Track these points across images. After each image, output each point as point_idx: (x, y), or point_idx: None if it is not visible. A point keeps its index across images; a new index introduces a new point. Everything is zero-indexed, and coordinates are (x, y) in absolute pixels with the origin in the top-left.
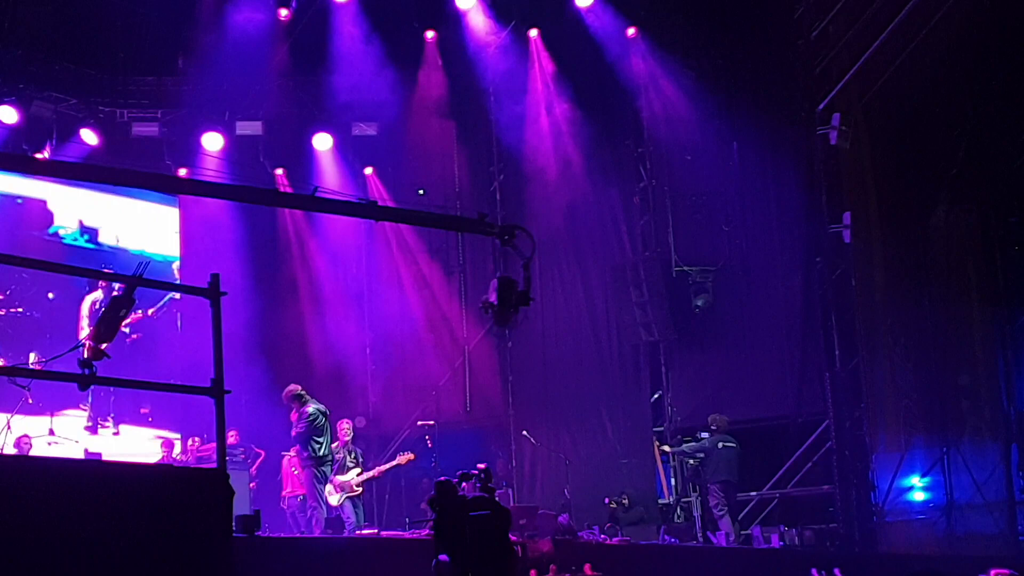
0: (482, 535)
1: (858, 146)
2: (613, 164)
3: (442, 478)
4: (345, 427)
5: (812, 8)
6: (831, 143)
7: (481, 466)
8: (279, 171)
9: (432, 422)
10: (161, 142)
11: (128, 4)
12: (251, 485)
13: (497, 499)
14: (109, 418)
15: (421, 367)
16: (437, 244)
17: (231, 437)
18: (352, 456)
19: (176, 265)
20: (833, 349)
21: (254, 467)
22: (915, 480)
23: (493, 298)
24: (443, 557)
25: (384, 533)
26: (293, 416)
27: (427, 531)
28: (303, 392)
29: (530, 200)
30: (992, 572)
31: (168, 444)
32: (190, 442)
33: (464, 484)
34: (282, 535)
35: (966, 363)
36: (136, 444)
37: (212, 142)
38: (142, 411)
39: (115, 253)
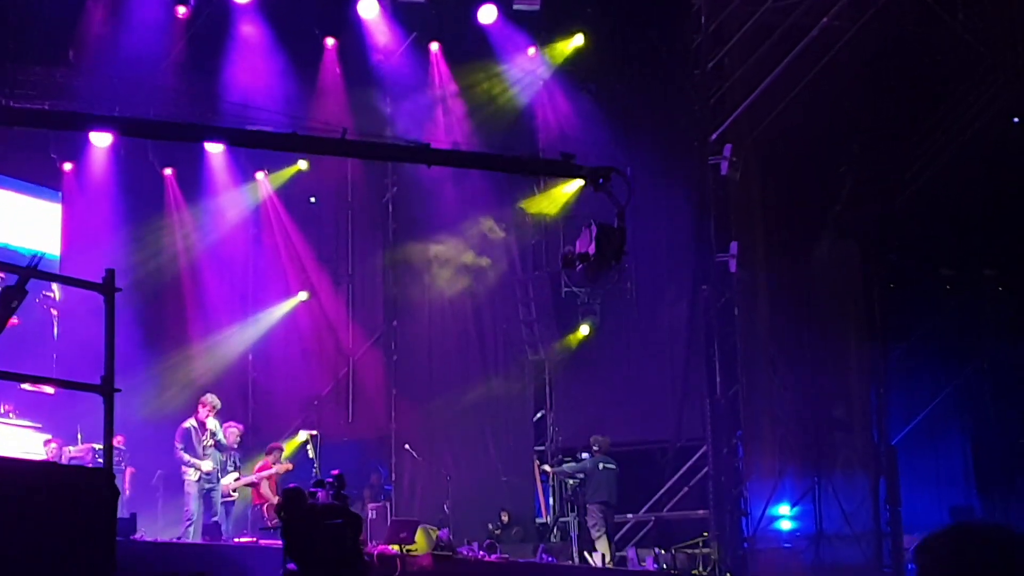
0: (334, 542)
1: (748, 177)
2: (508, 182)
3: (290, 485)
4: (233, 431)
5: (709, 39)
6: (722, 173)
7: (335, 472)
8: (168, 170)
9: (314, 432)
10: (48, 134)
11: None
12: (126, 476)
13: (350, 507)
14: None
15: (305, 376)
16: (327, 253)
17: (118, 441)
18: (232, 460)
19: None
20: (715, 376)
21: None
22: (783, 509)
23: (590, 248)
24: (291, 566)
25: (262, 542)
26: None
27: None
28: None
29: (423, 214)
30: None
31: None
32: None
33: (319, 492)
34: (157, 540)
35: (842, 396)
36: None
37: (100, 138)
38: (4, 407)
39: None
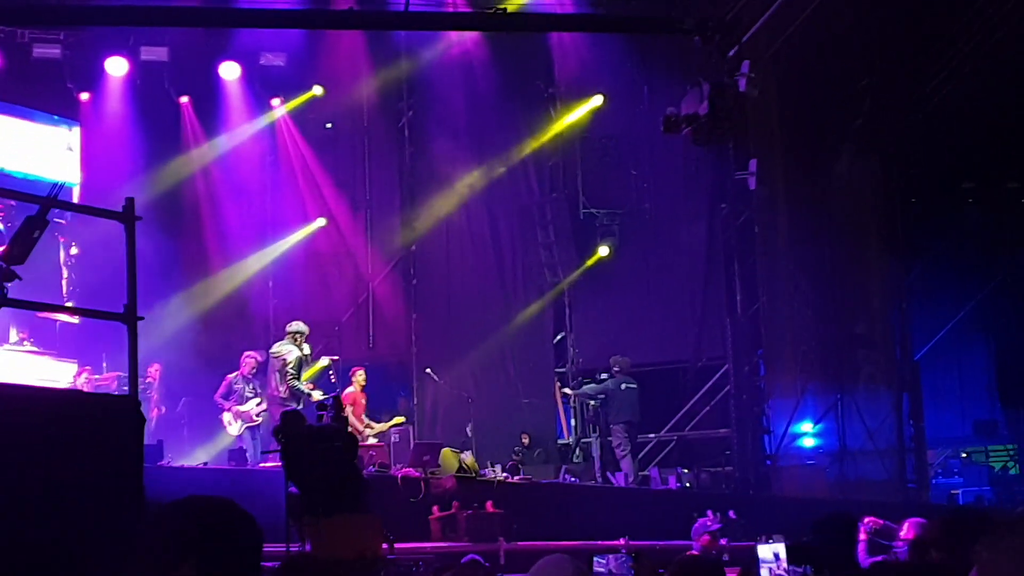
0: (332, 464)
1: (766, 95)
2: (523, 104)
3: (289, 407)
4: (248, 360)
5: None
6: (740, 90)
7: (332, 395)
8: (184, 99)
9: (336, 357)
10: (63, 64)
11: None
12: (153, 413)
13: (349, 429)
14: None
15: (324, 302)
16: (344, 178)
17: (154, 370)
18: (250, 387)
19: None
20: (735, 295)
21: (153, 392)
22: (806, 426)
23: (701, 108)
24: (292, 489)
25: None
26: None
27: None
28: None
29: (438, 137)
30: (866, 520)
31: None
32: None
33: (323, 415)
34: (183, 466)
35: (863, 312)
36: (18, 371)
37: (116, 67)
38: (20, 335)
39: (6, 178)
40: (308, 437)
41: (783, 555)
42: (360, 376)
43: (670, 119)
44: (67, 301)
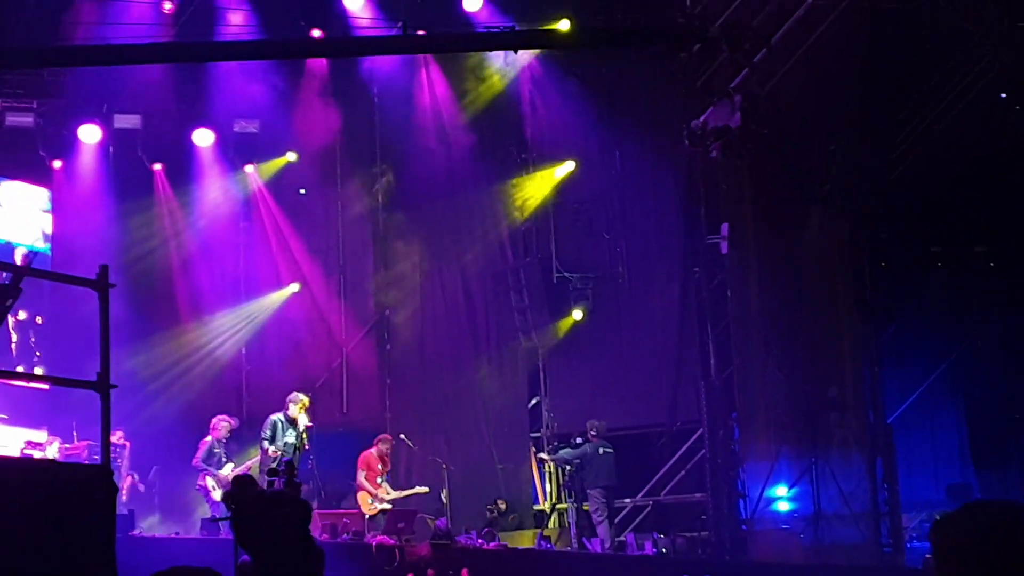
0: (282, 530)
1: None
2: (496, 168)
3: (240, 471)
4: (221, 423)
5: (695, 21)
6: (710, 155)
7: (285, 460)
8: (157, 166)
9: (310, 424)
10: (36, 133)
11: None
12: (124, 483)
13: (301, 494)
14: None
15: (298, 367)
16: (317, 242)
17: (117, 436)
18: (225, 452)
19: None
20: (708, 358)
21: (125, 460)
22: (781, 490)
23: (732, 121)
24: (244, 557)
25: None
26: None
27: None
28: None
29: (412, 202)
30: None
31: (32, 444)
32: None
33: (275, 480)
34: (155, 536)
35: (835, 375)
36: None
37: (89, 134)
38: None
39: None
40: (260, 502)
41: None
42: (383, 443)
43: (695, 133)
44: (16, 366)
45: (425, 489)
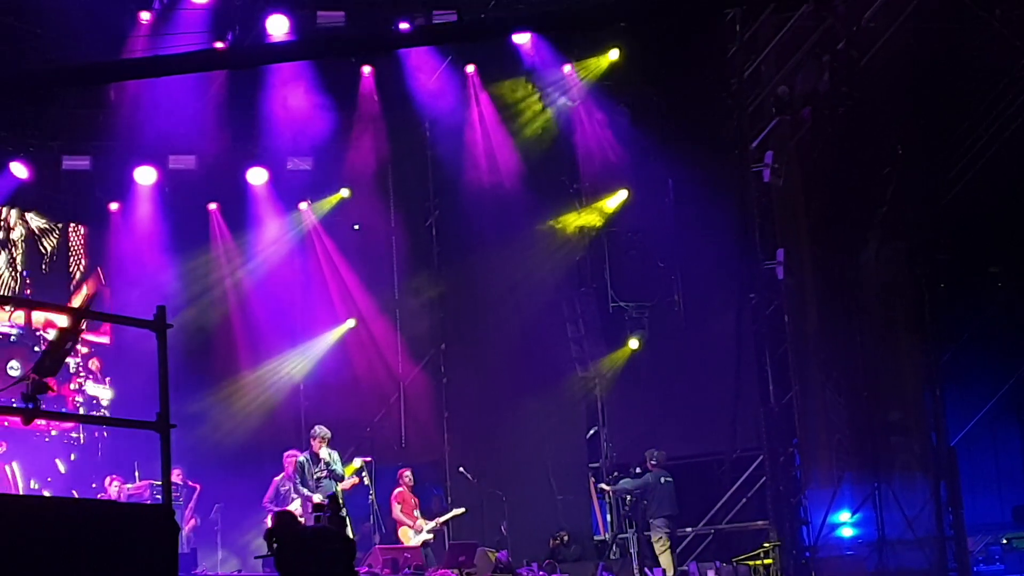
0: (327, 566)
1: (791, 183)
2: (550, 199)
3: (282, 508)
4: (290, 460)
5: (744, 47)
6: (764, 180)
7: (329, 493)
8: (213, 205)
9: (368, 459)
10: (93, 175)
11: (59, 36)
12: (187, 525)
13: (347, 528)
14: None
15: (356, 403)
16: (373, 279)
17: (176, 475)
18: (293, 488)
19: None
20: (767, 385)
21: (191, 503)
22: (844, 516)
23: (821, 84)
24: None
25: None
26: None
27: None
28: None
29: (466, 235)
30: None
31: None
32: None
33: (321, 515)
34: (218, 574)
35: (896, 399)
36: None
37: (145, 176)
38: None
39: None
40: (303, 539)
41: None
42: (407, 476)
43: (782, 99)
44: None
45: (462, 510)
